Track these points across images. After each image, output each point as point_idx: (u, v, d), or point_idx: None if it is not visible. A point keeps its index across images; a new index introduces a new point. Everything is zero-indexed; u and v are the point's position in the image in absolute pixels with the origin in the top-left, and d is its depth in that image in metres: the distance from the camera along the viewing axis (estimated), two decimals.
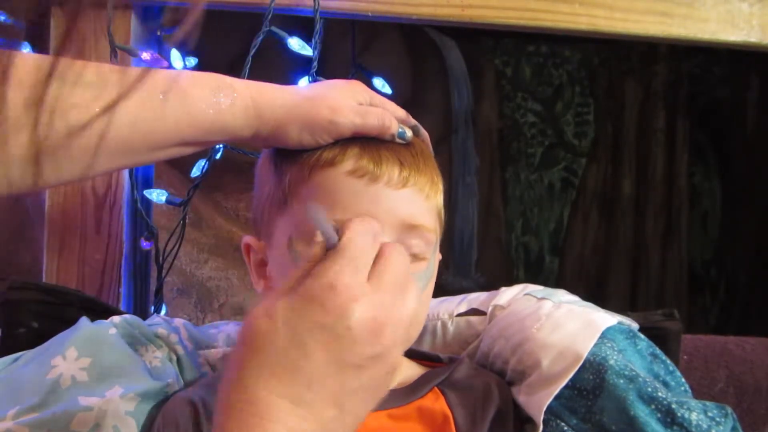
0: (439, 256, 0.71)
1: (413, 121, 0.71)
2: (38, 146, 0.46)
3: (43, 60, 0.53)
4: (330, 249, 0.48)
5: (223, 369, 0.48)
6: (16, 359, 0.71)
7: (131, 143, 0.59)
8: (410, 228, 0.64)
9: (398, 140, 0.67)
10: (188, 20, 0.33)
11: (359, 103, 0.67)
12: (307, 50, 0.94)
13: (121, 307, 0.96)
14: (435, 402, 0.67)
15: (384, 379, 0.48)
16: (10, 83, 0.40)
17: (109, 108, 0.52)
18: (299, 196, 0.65)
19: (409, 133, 0.68)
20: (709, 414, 0.65)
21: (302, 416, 0.44)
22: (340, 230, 0.50)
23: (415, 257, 0.65)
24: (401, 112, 0.70)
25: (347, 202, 0.62)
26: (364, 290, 0.46)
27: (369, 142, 0.65)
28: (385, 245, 0.50)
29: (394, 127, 0.66)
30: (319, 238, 0.49)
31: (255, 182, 0.73)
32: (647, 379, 0.66)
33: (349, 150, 0.64)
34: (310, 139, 0.65)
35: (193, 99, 0.61)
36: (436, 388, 0.68)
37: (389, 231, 0.63)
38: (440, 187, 0.69)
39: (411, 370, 0.71)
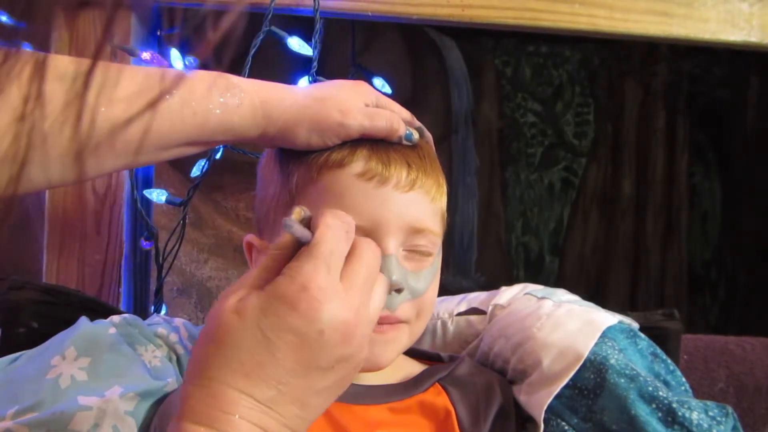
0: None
1: (418, 123, 0.71)
2: (81, 144, 0.46)
3: (80, 60, 0.53)
4: (303, 244, 0.47)
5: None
6: (15, 359, 0.71)
7: (134, 143, 0.59)
8: (416, 231, 0.65)
9: (405, 142, 0.67)
10: (223, 23, 0.33)
11: (366, 104, 0.67)
12: (307, 50, 0.94)
13: (121, 307, 0.96)
14: (437, 397, 0.67)
15: (350, 376, 0.48)
16: (47, 80, 0.40)
17: (152, 105, 0.51)
18: (307, 197, 0.65)
19: (416, 135, 0.68)
20: (710, 413, 0.65)
21: (265, 412, 0.44)
22: (312, 222, 0.49)
23: (422, 255, 0.66)
24: (406, 114, 0.70)
25: (356, 204, 0.63)
26: (336, 291, 0.46)
27: (377, 144, 0.66)
28: (358, 240, 0.50)
29: (402, 130, 0.67)
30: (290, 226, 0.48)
31: (258, 182, 0.73)
32: (648, 379, 0.66)
33: (358, 152, 0.65)
34: (318, 140, 0.65)
35: (201, 99, 0.60)
36: (437, 384, 0.68)
37: (396, 233, 0.63)
38: (445, 189, 0.69)
39: (412, 367, 0.71)
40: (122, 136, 0.56)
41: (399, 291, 0.63)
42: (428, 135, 0.72)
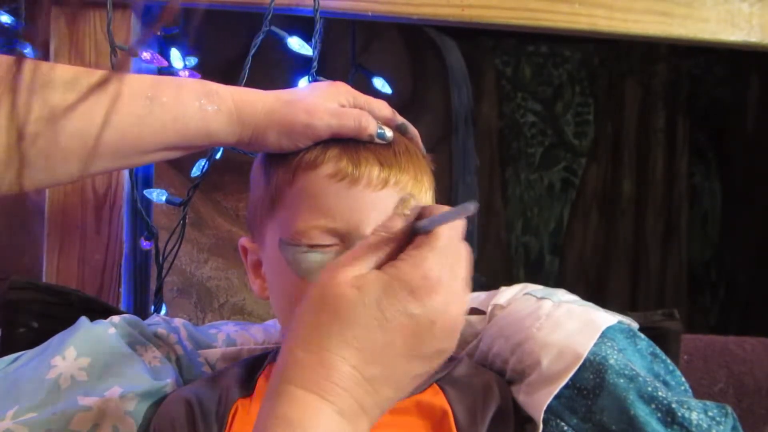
0: None
1: (400, 119, 0.70)
2: (20, 152, 0.48)
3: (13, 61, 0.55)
4: (418, 233, 0.49)
5: (293, 322, 0.48)
6: (15, 359, 0.71)
7: (118, 147, 0.59)
8: None
9: (377, 140, 0.66)
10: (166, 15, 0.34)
11: (341, 104, 0.67)
12: (307, 50, 0.94)
13: (121, 307, 0.96)
14: (434, 397, 0.67)
15: (436, 369, 0.50)
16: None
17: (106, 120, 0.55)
18: (285, 199, 0.65)
19: (389, 133, 0.67)
20: (710, 413, 0.65)
21: (367, 391, 0.46)
22: (422, 214, 0.51)
23: None
24: (387, 112, 0.69)
25: (329, 206, 0.63)
26: (453, 288, 0.48)
27: (349, 143, 0.65)
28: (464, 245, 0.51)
29: (372, 128, 0.66)
30: (403, 211, 0.50)
31: (251, 184, 0.73)
32: (647, 379, 0.66)
33: (329, 151, 0.64)
34: (288, 143, 0.65)
35: (180, 105, 0.61)
36: (435, 384, 0.68)
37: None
38: (426, 184, 0.68)
39: None
40: (72, 141, 0.56)
41: None
42: (413, 131, 0.71)
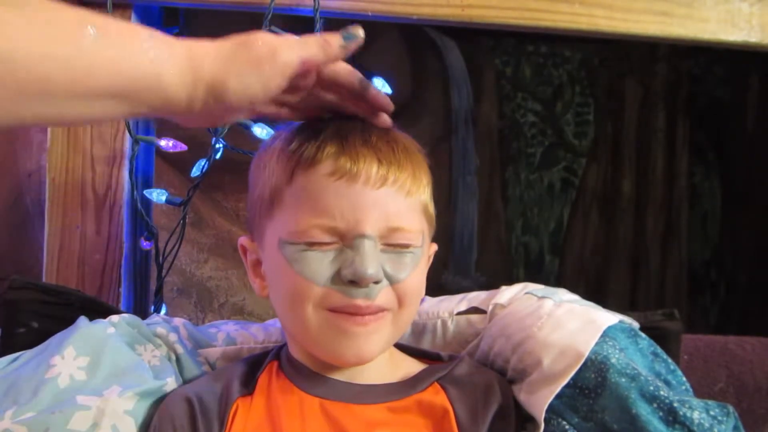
0: (434, 247, 0.71)
1: (360, 77, 0.68)
2: None
3: None
4: None
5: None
6: (15, 359, 0.71)
7: (51, 83, 0.49)
8: (392, 230, 0.64)
9: (348, 45, 0.63)
10: None
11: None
12: None
13: (121, 307, 0.96)
14: (435, 396, 0.67)
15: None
16: None
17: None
18: (284, 199, 0.65)
19: (354, 30, 0.63)
20: (711, 413, 0.65)
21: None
22: None
23: (401, 247, 0.65)
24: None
25: (329, 205, 0.63)
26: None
27: (348, 140, 0.64)
28: None
29: (336, 41, 0.62)
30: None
31: (249, 184, 0.73)
32: (649, 378, 0.66)
33: (327, 148, 0.64)
34: (257, 85, 0.58)
35: (129, 43, 0.53)
36: (436, 383, 0.68)
37: (372, 230, 0.63)
38: (424, 181, 0.68)
39: (411, 366, 0.71)
40: (25, 70, 0.47)
41: (377, 282, 0.63)
42: (375, 90, 0.68)
